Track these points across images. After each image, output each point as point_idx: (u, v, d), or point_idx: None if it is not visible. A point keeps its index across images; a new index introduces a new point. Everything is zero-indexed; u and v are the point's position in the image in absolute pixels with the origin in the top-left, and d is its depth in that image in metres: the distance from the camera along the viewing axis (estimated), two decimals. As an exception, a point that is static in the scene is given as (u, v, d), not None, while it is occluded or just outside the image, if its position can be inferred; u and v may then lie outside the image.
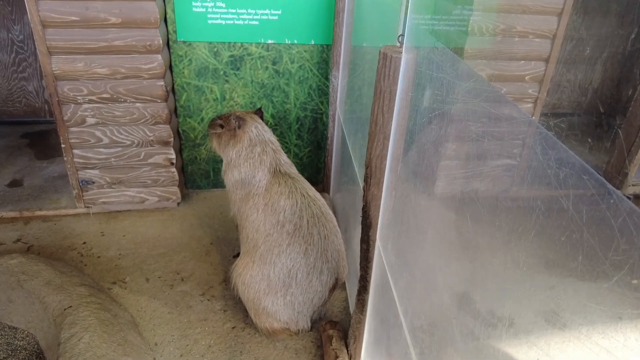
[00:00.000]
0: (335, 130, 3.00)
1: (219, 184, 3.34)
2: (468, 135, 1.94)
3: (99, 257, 2.71)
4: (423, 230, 1.87)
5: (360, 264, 1.87)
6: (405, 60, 1.46)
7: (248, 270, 2.13)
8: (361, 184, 2.10)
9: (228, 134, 2.31)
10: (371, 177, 1.66)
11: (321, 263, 2.11)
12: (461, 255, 1.77)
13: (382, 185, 1.65)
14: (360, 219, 1.77)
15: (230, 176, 2.27)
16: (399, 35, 1.51)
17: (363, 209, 1.74)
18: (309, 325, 2.22)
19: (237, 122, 2.27)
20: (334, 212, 3.01)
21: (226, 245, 2.84)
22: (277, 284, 2.08)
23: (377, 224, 1.72)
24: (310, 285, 2.11)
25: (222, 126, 2.34)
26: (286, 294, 2.09)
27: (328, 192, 3.23)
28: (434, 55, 1.67)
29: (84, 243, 2.81)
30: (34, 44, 4.04)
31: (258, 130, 2.28)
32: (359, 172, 2.21)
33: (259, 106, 3.08)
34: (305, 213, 2.09)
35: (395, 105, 1.52)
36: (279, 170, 2.21)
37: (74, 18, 2.49)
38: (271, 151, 2.24)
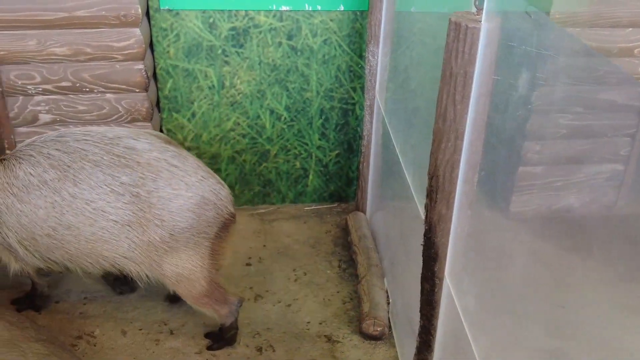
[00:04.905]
0: (373, 127, 3.00)
1: (214, 200, 3.36)
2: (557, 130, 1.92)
3: (57, 302, 2.73)
4: (505, 261, 1.85)
5: (420, 311, 1.85)
6: (486, 32, 1.46)
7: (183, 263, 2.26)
8: (419, 199, 2.09)
9: None
10: (437, 192, 1.65)
11: None
12: (551, 295, 1.75)
13: (453, 202, 1.64)
14: (420, 247, 1.76)
15: (7, 235, 2.28)
16: (477, -2, 1.50)
17: (426, 234, 1.73)
18: None
19: None
20: (374, 237, 3.01)
21: (230, 283, 2.84)
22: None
23: (445, 254, 1.70)
24: None
25: None
26: None
27: (363, 211, 3.23)
28: (523, 24, 1.66)
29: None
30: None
31: None
32: (414, 184, 2.21)
33: (268, 95, 3.10)
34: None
35: (472, 92, 1.52)
36: None
37: (23, -19, 2.54)
38: None
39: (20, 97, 2.76)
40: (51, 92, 2.75)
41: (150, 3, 2.83)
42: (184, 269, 2.27)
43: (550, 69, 1.66)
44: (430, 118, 2.05)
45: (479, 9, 1.49)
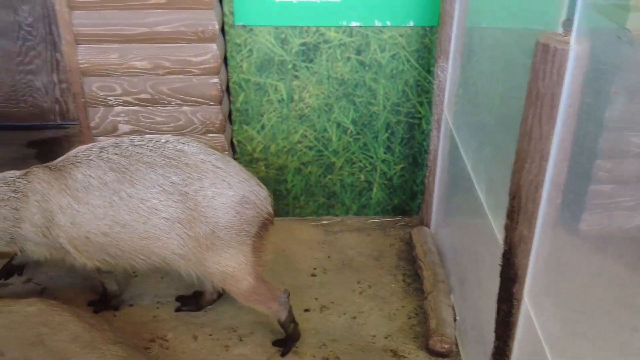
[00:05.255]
0: (440, 141, 3.00)
1: (280, 210, 3.41)
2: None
3: (130, 305, 2.83)
4: (582, 281, 1.83)
5: (495, 331, 1.84)
6: (575, 54, 1.45)
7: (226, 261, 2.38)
8: (493, 218, 2.08)
9: None
10: (519, 212, 1.64)
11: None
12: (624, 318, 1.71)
13: (535, 224, 1.63)
14: (495, 267, 1.76)
15: (59, 236, 2.42)
16: (565, 20, 1.50)
17: (504, 255, 1.73)
18: None
19: None
20: (439, 252, 3.00)
21: (296, 293, 2.88)
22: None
23: (525, 275, 1.69)
24: None
25: None
26: None
27: (428, 225, 3.22)
28: (611, 43, 1.64)
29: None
30: (45, 29, 4.34)
31: None
32: (487, 202, 2.20)
33: (335, 108, 3.14)
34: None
35: (559, 114, 1.51)
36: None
37: (108, -3, 2.66)
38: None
39: (102, 108, 2.88)
40: (131, 104, 2.87)
41: (225, 19, 2.92)
42: (228, 267, 2.39)
43: (630, 86, 1.64)
44: (504, 135, 2.04)
45: (567, 31, 1.49)
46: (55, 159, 2.45)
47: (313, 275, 3.04)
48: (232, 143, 3.21)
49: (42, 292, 2.92)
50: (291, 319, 2.57)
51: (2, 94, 4.54)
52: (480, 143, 2.46)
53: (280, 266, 3.09)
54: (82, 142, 2.95)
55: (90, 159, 2.38)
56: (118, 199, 2.33)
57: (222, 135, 2.96)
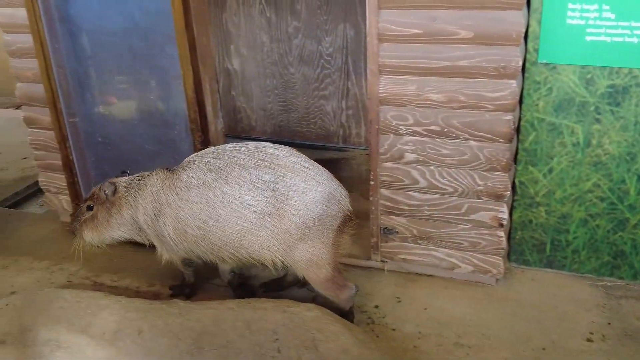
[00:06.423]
0: None
1: (555, 262, 3.18)
2: None
3: (393, 329, 2.88)
4: None
5: None
6: None
7: (300, 251, 2.69)
8: None
9: (103, 209, 2.92)
10: None
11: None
12: None
13: None
14: None
15: (164, 226, 2.82)
16: None
17: None
18: None
19: (107, 189, 2.89)
20: None
21: (568, 356, 2.63)
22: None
23: None
24: None
25: (90, 207, 2.96)
26: None
27: None
28: None
29: (376, 307, 3.04)
30: (342, 59, 4.74)
31: (121, 180, 2.96)
32: None
33: (638, 158, 2.81)
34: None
35: None
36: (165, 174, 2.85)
37: (416, 31, 2.77)
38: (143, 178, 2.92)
39: (392, 136, 3.00)
40: (420, 134, 2.94)
41: (528, 56, 2.82)
42: (313, 255, 2.69)
43: None
44: None
45: None
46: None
47: (589, 340, 2.75)
48: (514, 183, 3.09)
49: (314, 299, 3.13)
50: (352, 311, 2.90)
51: (297, 115, 5.06)
52: None
53: (551, 322, 2.87)
54: (370, 166, 3.12)
55: (194, 163, 2.79)
56: (213, 196, 2.68)
57: (506, 174, 2.86)
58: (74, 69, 3.56)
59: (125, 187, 2.93)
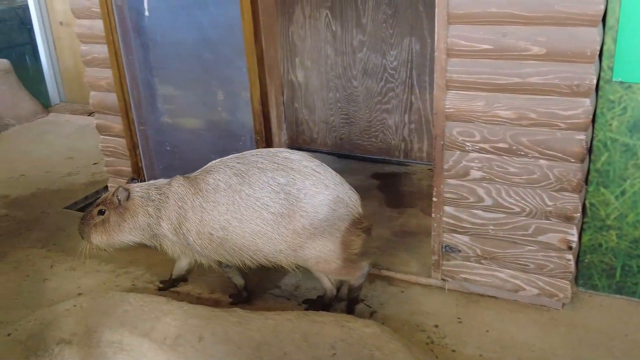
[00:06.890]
0: None
1: (625, 288, 3.04)
2: None
3: (453, 350, 2.82)
4: None
5: None
6: None
7: (317, 249, 2.84)
8: None
9: (115, 214, 3.00)
10: None
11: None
12: None
13: None
14: None
15: (188, 233, 2.94)
16: None
17: None
18: None
19: (120, 195, 2.98)
20: None
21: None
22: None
23: None
24: None
25: (101, 212, 3.03)
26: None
27: None
28: None
29: (436, 326, 2.98)
30: (406, 73, 4.71)
31: (133, 185, 3.09)
32: None
33: None
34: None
35: None
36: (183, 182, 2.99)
37: (486, 46, 2.72)
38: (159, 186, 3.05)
39: (457, 152, 2.96)
40: (487, 151, 2.88)
41: (602, 74, 2.73)
42: (321, 252, 2.85)
43: None
44: None
45: None
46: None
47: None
48: (584, 205, 2.98)
49: (372, 315, 3.11)
50: (361, 287, 3.08)
51: (359, 128, 5.06)
52: None
53: (620, 351, 2.75)
54: (432, 182, 3.08)
55: (220, 167, 2.93)
56: (239, 198, 2.83)
57: (577, 195, 2.76)
58: (145, 79, 3.69)
59: (141, 197, 3.01)
